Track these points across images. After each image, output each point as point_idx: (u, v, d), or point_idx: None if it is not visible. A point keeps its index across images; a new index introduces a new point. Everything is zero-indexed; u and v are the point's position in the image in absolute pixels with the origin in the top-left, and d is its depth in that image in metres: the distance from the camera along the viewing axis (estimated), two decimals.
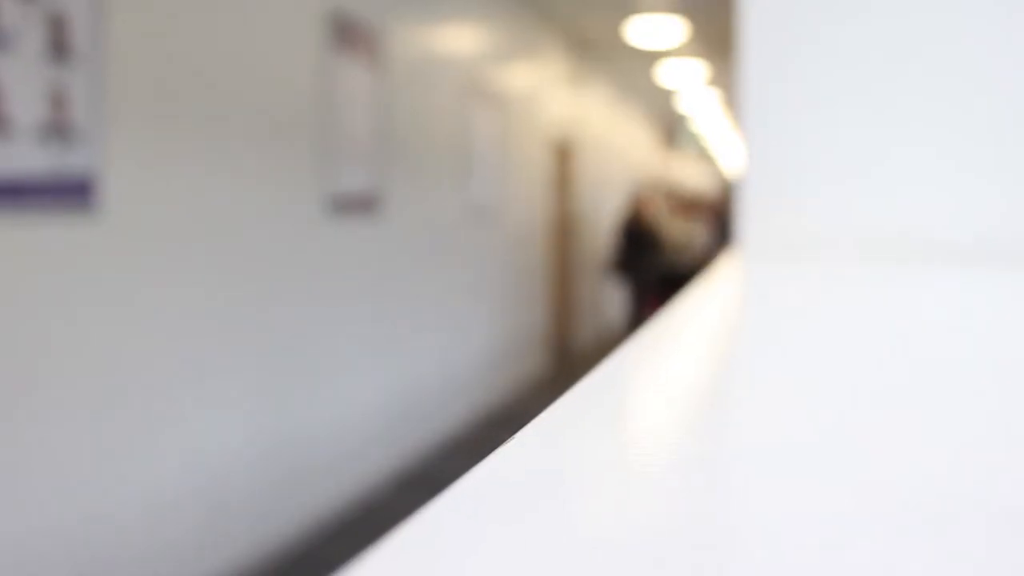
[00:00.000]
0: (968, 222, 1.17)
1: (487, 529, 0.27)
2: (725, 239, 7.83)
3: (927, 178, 1.18)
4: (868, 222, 1.19)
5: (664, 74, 10.44)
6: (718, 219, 8.99)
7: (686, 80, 10.69)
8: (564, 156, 8.81)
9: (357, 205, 4.32)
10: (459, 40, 5.84)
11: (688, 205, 8.38)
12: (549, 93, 8.07)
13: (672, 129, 15.75)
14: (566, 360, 8.50)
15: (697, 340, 0.71)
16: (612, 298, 10.01)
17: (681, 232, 8.04)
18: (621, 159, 11.48)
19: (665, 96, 12.39)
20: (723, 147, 19.29)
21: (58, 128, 2.51)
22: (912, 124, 1.18)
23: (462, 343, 5.92)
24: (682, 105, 13.09)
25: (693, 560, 0.25)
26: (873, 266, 1.16)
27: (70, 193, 2.57)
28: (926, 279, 1.07)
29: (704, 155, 20.30)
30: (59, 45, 2.50)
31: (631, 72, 10.61)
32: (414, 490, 4.56)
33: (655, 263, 7.89)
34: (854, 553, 0.25)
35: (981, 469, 0.33)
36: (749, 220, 1.21)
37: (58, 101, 2.51)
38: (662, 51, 9.16)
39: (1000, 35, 1.16)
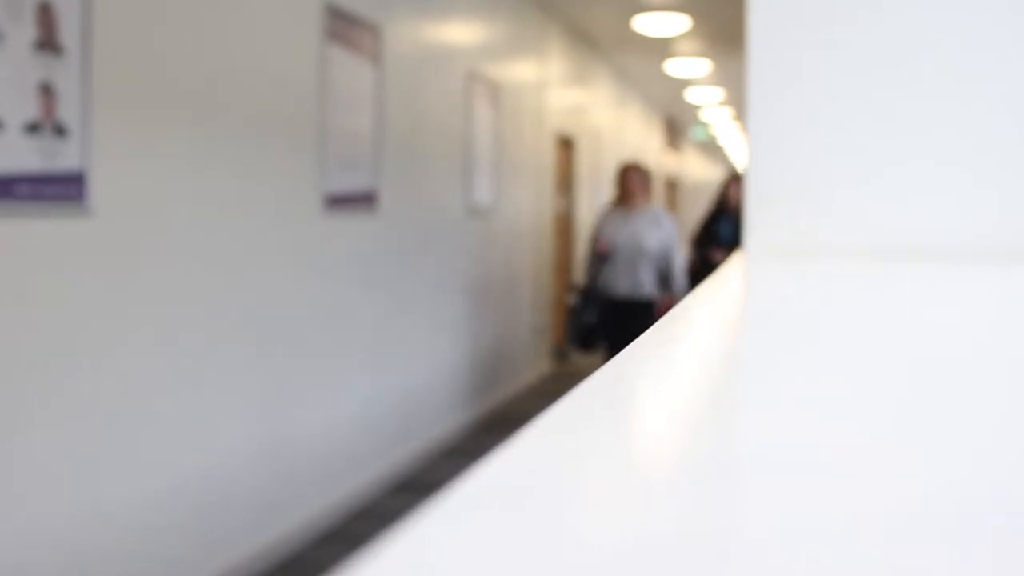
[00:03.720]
0: (974, 227, 1.17)
1: (483, 535, 0.26)
2: (736, 242, 5.63)
3: (933, 182, 1.18)
4: (874, 226, 1.18)
5: (668, 70, 10.46)
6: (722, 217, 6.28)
7: (690, 76, 10.71)
8: (567, 152, 8.81)
9: (354, 202, 4.30)
10: (460, 34, 5.83)
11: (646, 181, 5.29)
12: (552, 88, 8.06)
13: (677, 125, 15.77)
14: (567, 362, 8.50)
15: (702, 342, 0.70)
16: None
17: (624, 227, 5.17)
18: (625, 155, 11.48)
19: (669, 92, 12.41)
20: (729, 144, 19.32)
21: (46, 123, 2.50)
22: (918, 127, 1.18)
23: (462, 344, 5.91)
24: (686, 101, 13.12)
25: (697, 570, 0.24)
26: (878, 265, 1.15)
27: (59, 189, 2.55)
28: (933, 277, 1.07)
29: (710, 151, 20.34)
30: (47, 39, 2.49)
31: (635, 67, 10.62)
32: (410, 493, 4.55)
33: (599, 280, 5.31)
34: (864, 560, 0.24)
35: (994, 472, 0.32)
36: (754, 221, 1.20)
37: (46, 96, 2.49)
38: (666, 47, 9.17)
39: (1010, 39, 1.16)
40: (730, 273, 1.17)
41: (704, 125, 16.10)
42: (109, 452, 2.81)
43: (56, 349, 2.60)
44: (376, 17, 4.47)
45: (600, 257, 5.24)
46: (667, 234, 5.24)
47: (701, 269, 6.15)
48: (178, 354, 3.09)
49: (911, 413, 0.43)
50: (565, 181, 8.81)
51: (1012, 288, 1.00)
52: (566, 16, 8.07)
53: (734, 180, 6.47)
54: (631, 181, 5.32)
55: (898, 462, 0.34)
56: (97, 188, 2.69)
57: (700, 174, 20.42)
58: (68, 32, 2.56)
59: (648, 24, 7.93)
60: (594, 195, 9.78)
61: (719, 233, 6.29)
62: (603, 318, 5.23)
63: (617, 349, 5.31)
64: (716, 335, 0.74)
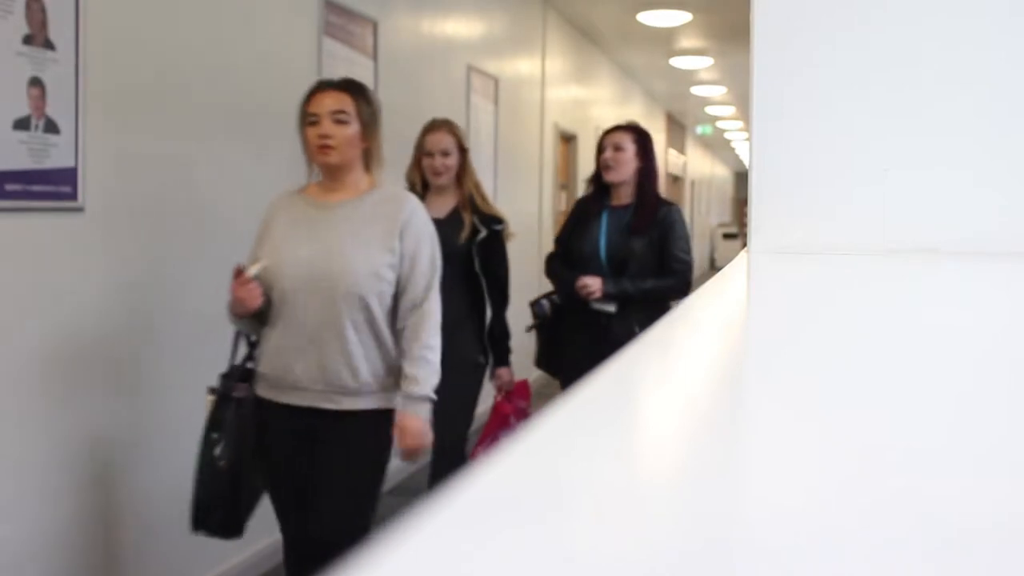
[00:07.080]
0: (976, 226, 1.16)
1: (482, 536, 0.26)
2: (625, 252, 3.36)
3: (937, 182, 1.17)
4: (878, 225, 1.18)
5: (671, 66, 10.48)
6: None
7: (694, 67, 10.73)
8: (568, 149, 8.81)
9: None
10: (458, 28, 5.81)
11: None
12: (553, 83, 8.05)
13: (680, 121, 15.80)
14: None
15: (703, 342, 0.70)
16: None
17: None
18: None
19: (672, 88, 12.42)
20: (733, 140, 19.37)
21: (37, 120, 2.48)
22: (922, 127, 1.18)
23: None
24: (690, 97, 13.14)
25: (697, 570, 0.24)
26: (881, 265, 1.15)
27: (50, 186, 2.53)
28: (935, 276, 1.06)
29: (715, 147, 20.38)
30: (37, 34, 2.47)
31: (638, 63, 10.63)
32: (404, 497, 4.53)
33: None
34: (864, 560, 0.24)
35: (994, 471, 0.32)
36: (758, 221, 1.20)
37: (36, 92, 2.47)
38: (668, 43, 9.18)
39: (1012, 40, 1.15)
40: (732, 273, 1.17)
41: (709, 120, 16.14)
42: (102, 451, 2.80)
43: (49, 347, 2.58)
44: (374, 11, 4.45)
45: (257, 313, 2.44)
46: (410, 249, 2.39)
47: (562, 321, 3.48)
48: (171, 352, 3.08)
49: (913, 413, 0.43)
50: (566, 178, 8.81)
51: (1013, 287, 1.00)
52: (567, 10, 8.06)
53: (625, 132, 3.63)
54: (326, 128, 2.38)
55: (899, 462, 0.34)
56: (88, 185, 2.67)
57: (705, 171, 20.44)
58: (59, 27, 2.54)
59: (651, 19, 7.94)
60: None
61: (595, 238, 3.50)
62: (262, 451, 2.41)
63: (299, 534, 2.48)
64: (718, 336, 0.73)
